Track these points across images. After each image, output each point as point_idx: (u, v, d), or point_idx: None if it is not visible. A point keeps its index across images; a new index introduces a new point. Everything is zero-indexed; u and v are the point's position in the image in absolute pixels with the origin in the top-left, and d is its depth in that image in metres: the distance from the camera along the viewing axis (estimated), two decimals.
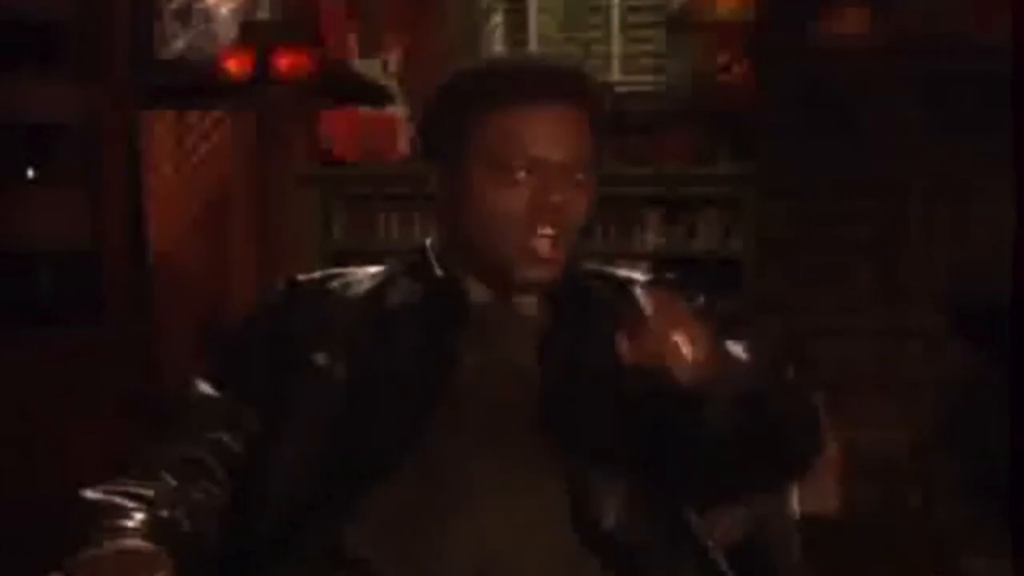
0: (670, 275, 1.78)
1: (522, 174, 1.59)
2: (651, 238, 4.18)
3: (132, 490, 1.52)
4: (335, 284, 1.70)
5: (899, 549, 3.68)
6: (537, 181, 1.59)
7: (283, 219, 4.43)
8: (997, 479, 3.59)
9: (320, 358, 1.61)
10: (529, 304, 1.66)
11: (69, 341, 4.31)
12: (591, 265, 1.76)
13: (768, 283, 3.91)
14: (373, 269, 1.74)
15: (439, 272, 1.67)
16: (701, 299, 1.69)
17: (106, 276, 4.40)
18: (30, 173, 4.42)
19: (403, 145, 4.37)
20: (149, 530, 1.45)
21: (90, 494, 1.51)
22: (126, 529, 1.44)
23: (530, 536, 1.52)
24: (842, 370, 3.83)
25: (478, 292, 1.66)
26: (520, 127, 1.60)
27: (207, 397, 1.65)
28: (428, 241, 1.73)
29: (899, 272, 3.87)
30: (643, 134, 4.18)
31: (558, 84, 1.63)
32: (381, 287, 1.68)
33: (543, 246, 1.60)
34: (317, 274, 1.74)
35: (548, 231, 1.59)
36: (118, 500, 1.50)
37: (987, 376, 3.68)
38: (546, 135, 1.60)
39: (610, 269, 1.77)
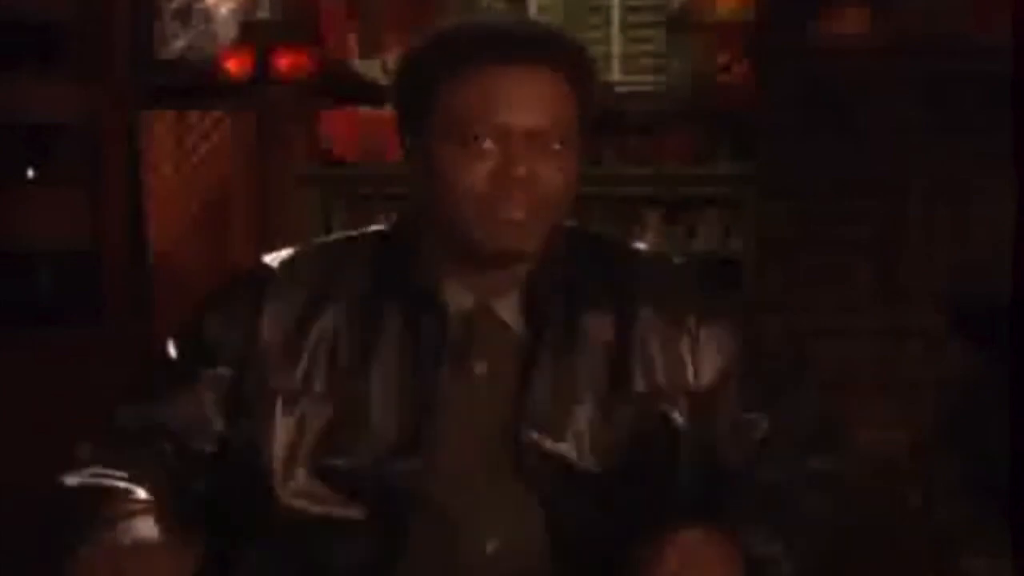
0: (678, 258, 1.68)
1: (488, 143, 1.44)
2: (651, 238, 4.18)
3: (112, 473, 1.48)
4: (304, 293, 1.54)
5: (899, 549, 3.68)
6: (502, 150, 1.44)
7: (283, 219, 4.43)
8: (997, 479, 3.59)
9: (293, 380, 1.52)
10: (510, 308, 1.53)
11: (69, 341, 4.31)
12: (582, 233, 1.60)
13: (768, 283, 3.91)
14: (345, 251, 1.59)
15: (418, 279, 1.53)
16: (691, 272, 1.62)
17: (106, 276, 4.39)
18: (30, 173, 4.42)
19: None
20: (158, 510, 1.42)
21: (73, 480, 1.48)
22: (135, 512, 1.41)
23: None
24: (842, 370, 3.83)
25: (457, 296, 1.53)
26: (484, 92, 1.44)
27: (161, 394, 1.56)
28: (397, 221, 1.59)
29: (899, 272, 3.87)
30: (643, 134, 4.19)
31: (527, 44, 1.47)
32: (357, 298, 1.54)
33: (512, 216, 1.45)
34: (284, 266, 1.57)
35: (515, 207, 1.45)
36: (108, 483, 1.46)
37: (987, 376, 3.68)
38: (513, 99, 1.44)
39: (605, 240, 1.63)
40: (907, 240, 3.86)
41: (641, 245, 1.66)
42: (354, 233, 1.63)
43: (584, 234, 1.61)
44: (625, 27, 4.47)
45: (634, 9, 4.47)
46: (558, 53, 1.48)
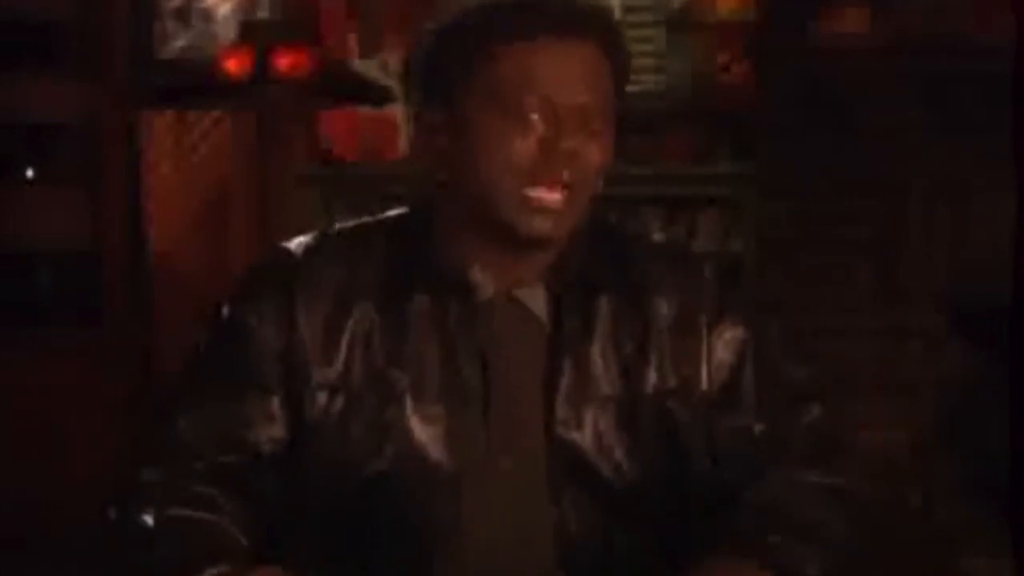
0: (695, 251, 1.66)
1: (533, 116, 1.43)
2: None
3: (189, 514, 1.44)
4: (332, 282, 1.52)
5: (899, 549, 3.68)
6: (549, 125, 1.43)
7: (283, 219, 4.43)
8: (997, 479, 3.59)
9: (333, 374, 1.50)
10: (535, 298, 1.52)
11: (69, 341, 4.31)
12: (602, 223, 1.58)
13: (768, 283, 3.91)
14: (366, 237, 1.56)
15: (444, 264, 1.51)
16: (707, 268, 1.60)
17: (106, 276, 4.39)
18: (30, 173, 4.42)
19: (403, 145, 4.37)
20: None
21: (148, 517, 1.43)
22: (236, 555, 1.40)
23: None
24: (842, 370, 3.83)
25: (482, 284, 1.51)
26: (532, 64, 1.43)
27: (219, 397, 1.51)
28: (417, 206, 1.56)
29: (899, 272, 3.87)
30: (643, 134, 4.18)
31: (576, 20, 1.45)
32: (384, 285, 1.51)
33: (550, 196, 1.44)
34: (309, 255, 1.55)
35: (558, 179, 1.43)
36: (189, 525, 1.43)
37: (987, 376, 3.68)
38: (562, 75, 1.43)
39: (625, 231, 1.63)
40: (907, 240, 3.86)
41: (658, 237, 1.65)
42: (371, 219, 1.59)
43: (604, 224, 1.59)
44: (625, 27, 4.46)
45: (634, 9, 4.46)
46: (601, 31, 1.47)
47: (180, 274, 4.55)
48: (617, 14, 4.46)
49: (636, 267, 1.56)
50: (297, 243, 1.57)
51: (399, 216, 1.58)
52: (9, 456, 4.12)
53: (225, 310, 1.55)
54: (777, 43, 3.91)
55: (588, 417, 1.51)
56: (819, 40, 3.84)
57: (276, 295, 1.52)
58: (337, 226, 1.60)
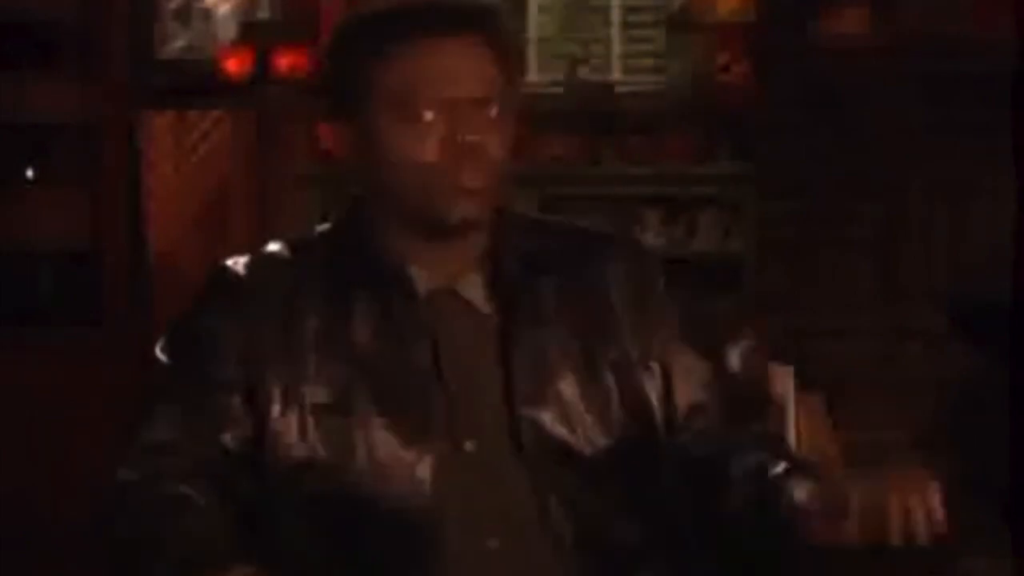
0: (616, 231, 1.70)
1: (430, 115, 1.47)
2: (651, 238, 4.18)
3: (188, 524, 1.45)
4: (277, 295, 1.55)
5: (899, 549, 3.68)
6: (447, 122, 1.47)
7: (283, 219, 4.43)
8: (997, 479, 3.59)
9: (288, 379, 1.52)
10: (474, 288, 1.55)
11: (69, 341, 4.31)
12: (520, 213, 1.62)
13: (768, 283, 3.92)
14: (304, 249, 1.60)
15: (382, 259, 1.54)
16: (642, 241, 1.66)
17: (106, 276, 4.39)
18: (30, 173, 4.42)
19: None
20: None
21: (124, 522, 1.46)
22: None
23: None
24: (842, 370, 3.83)
25: (422, 277, 1.54)
26: (422, 66, 1.48)
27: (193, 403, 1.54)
28: (350, 211, 1.60)
29: (899, 272, 3.88)
30: (643, 134, 4.19)
31: (456, 17, 1.50)
32: (327, 292, 1.55)
33: (468, 184, 1.48)
34: (251, 270, 1.58)
35: (468, 174, 1.48)
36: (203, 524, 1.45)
37: (987, 376, 3.68)
38: (451, 72, 1.48)
39: (547, 218, 1.68)
40: (907, 240, 3.86)
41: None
42: (307, 232, 1.65)
43: (522, 214, 1.63)
44: (625, 27, 4.47)
45: (634, 9, 4.47)
46: (481, 21, 1.52)
47: (180, 274, 4.54)
48: (617, 14, 4.48)
49: (571, 246, 1.60)
50: (235, 260, 1.60)
51: (335, 223, 1.62)
52: (9, 456, 4.12)
53: (184, 318, 1.60)
54: (777, 43, 3.92)
55: (550, 391, 1.53)
56: (819, 40, 3.84)
57: (228, 303, 1.56)
58: (273, 243, 1.63)
